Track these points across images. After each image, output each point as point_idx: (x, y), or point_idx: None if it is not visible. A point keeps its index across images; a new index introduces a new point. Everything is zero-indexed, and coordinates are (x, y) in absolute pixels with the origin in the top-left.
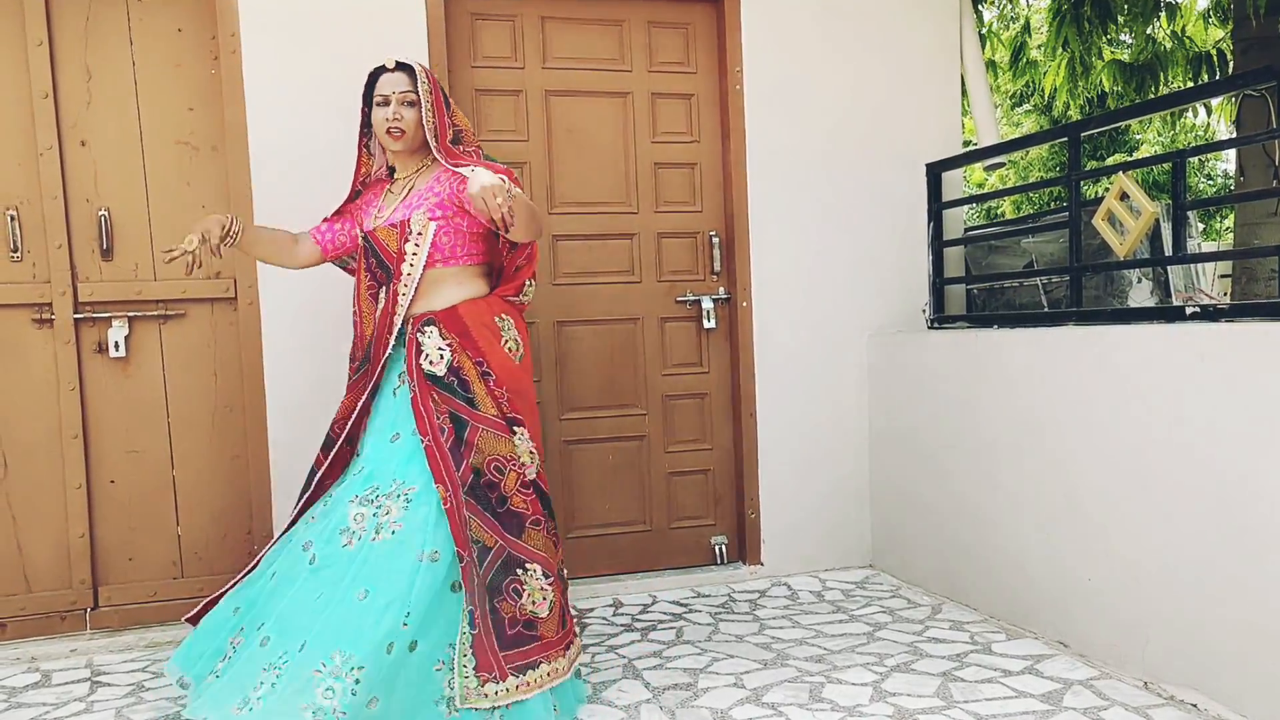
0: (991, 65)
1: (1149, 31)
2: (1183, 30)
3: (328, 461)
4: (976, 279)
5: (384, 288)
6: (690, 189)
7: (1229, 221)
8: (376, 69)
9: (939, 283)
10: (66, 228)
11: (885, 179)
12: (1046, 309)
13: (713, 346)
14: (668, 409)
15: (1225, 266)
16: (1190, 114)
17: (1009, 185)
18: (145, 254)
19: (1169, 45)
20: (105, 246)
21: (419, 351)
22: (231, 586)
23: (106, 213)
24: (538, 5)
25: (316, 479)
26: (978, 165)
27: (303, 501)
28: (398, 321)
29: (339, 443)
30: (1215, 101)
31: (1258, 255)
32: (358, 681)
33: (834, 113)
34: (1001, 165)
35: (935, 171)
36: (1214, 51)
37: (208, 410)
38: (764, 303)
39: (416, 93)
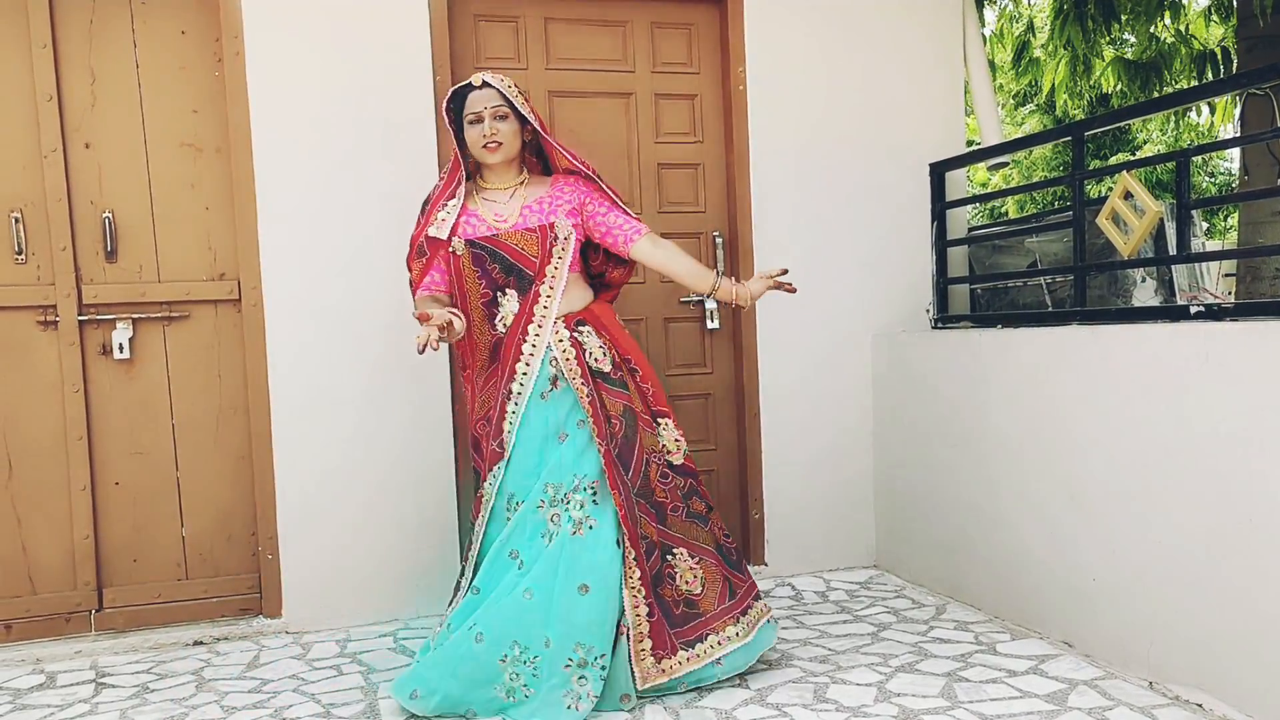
0: (993, 65)
1: (1152, 30)
2: (1186, 29)
3: (489, 462)
4: (980, 279)
5: (502, 293)
6: (693, 190)
7: (1233, 220)
8: (461, 87)
9: (943, 282)
10: (71, 230)
11: (889, 179)
12: (1051, 308)
13: (716, 347)
14: (672, 409)
15: (1229, 265)
16: (1194, 113)
17: (1013, 185)
18: (149, 256)
19: (1172, 43)
20: (110, 248)
21: (583, 350)
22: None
23: (111, 215)
24: (540, 6)
25: (485, 481)
26: (981, 165)
27: (487, 510)
28: (547, 322)
29: (493, 449)
30: (1218, 101)
31: (1262, 254)
32: (603, 669)
33: (837, 113)
34: (1005, 165)
35: (939, 171)
36: (1218, 50)
37: (212, 411)
38: (768, 303)
39: (506, 105)
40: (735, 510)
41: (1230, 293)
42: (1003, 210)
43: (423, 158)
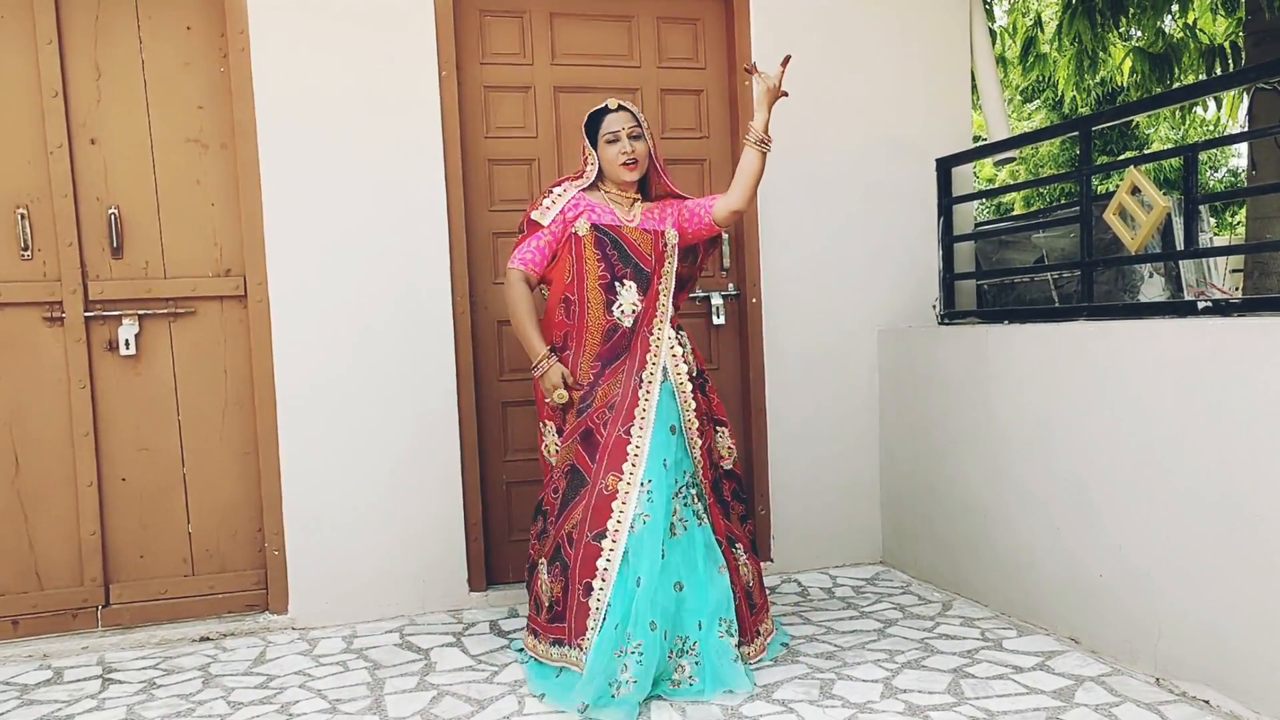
0: (1001, 60)
1: (1159, 25)
2: (1194, 23)
3: (603, 457)
4: (987, 274)
5: (620, 282)
6: (699, 185)
7: (1241, 216)
8: (600, 110)
9: (949, 278)
10: (77, 226)
11: (895, 174)
12: (1057, 304)
13: (722, 343)
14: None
15: (1237, 261)
16: (1200, 109)
17: (1019, 180)
18: (155, 252)
19: (1181, 38)
20: (115, 244)
21: (684, 355)
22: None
23: (116, 211)
24: (546, 1)
25: (591, 475)
26: (988, 160)
27: (584, 496)
28: (665, 326)
29: (618, 436)
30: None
31: (1270, 249)
32: (733, 635)
33: (844, 108)
34: (1012, 160)
35: (945, 167)
36: (1226, 45)
37: (218, 407)
38: (773, 299)
39: (640, 127)
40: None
41: (1238, 288)
42: (1009, 205)
43: (428, 152)
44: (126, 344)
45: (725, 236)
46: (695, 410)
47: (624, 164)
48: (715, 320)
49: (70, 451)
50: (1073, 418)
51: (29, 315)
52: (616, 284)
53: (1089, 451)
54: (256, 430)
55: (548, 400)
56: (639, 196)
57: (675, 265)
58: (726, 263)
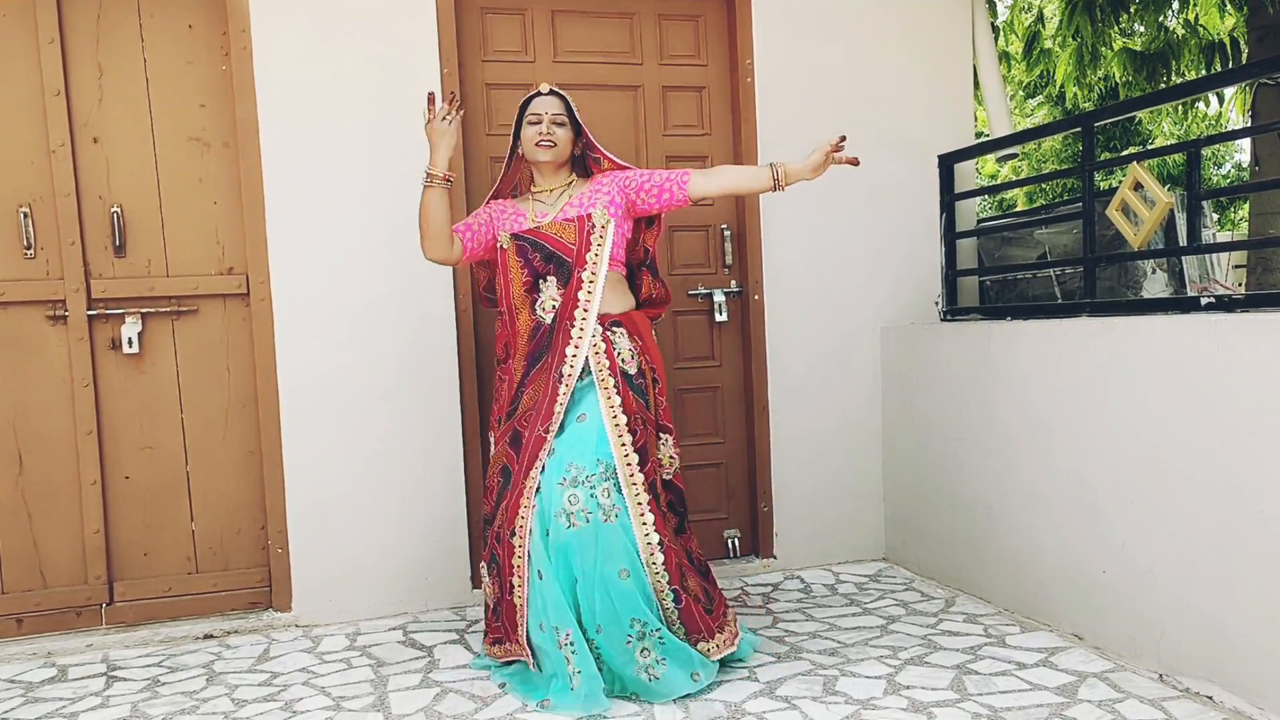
0: (1004, 56)
1: (1161, 20)
2: (1195, 19)
3: (524, 458)
4: (990, 270)
5: (543, 280)
6: None
7: (1244, 211)
8: (532, 95)
9: (951, 274)
10: (79, 224)
11: (897, 171)
12: (1060, 300)
13: (725, 340)
14: (680, 403)
15: (1240, 257)
16: (1202, 104)
17: (1022, 177)
18: (158, 250)
19: (1182, 34)
20: (118, 243)
21: (614, 350)
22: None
23: (119, 209)
24: None
25: (514, 475)
26: (990, 157)
27: (506, 497)
28: (590, 317)
29: (537, 434)
30: (1229, 91)
31: (1273, 245)
32: (661, 641)
33: (846, 104)
34: (1014, 156)
35: (948, 163)
36: (1227, 40)
37: (221, 406)
38: (776, 296)
39: (567, 116)
40: (744, 504)
41: (1241, 284)
42: (1011, 202)
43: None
44: (130, 343)
45: (728, 234)
46: (622, 406)
47: (538, 143)
48: (718, 317)
49: (74, 450)
50: (1076, 414)
51: (32, 314)
52: (540, 282)
53: (1092, 448)
54: (259, 428)
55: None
56: (571, 181)
57: (607, 248)
58: (729, 260)
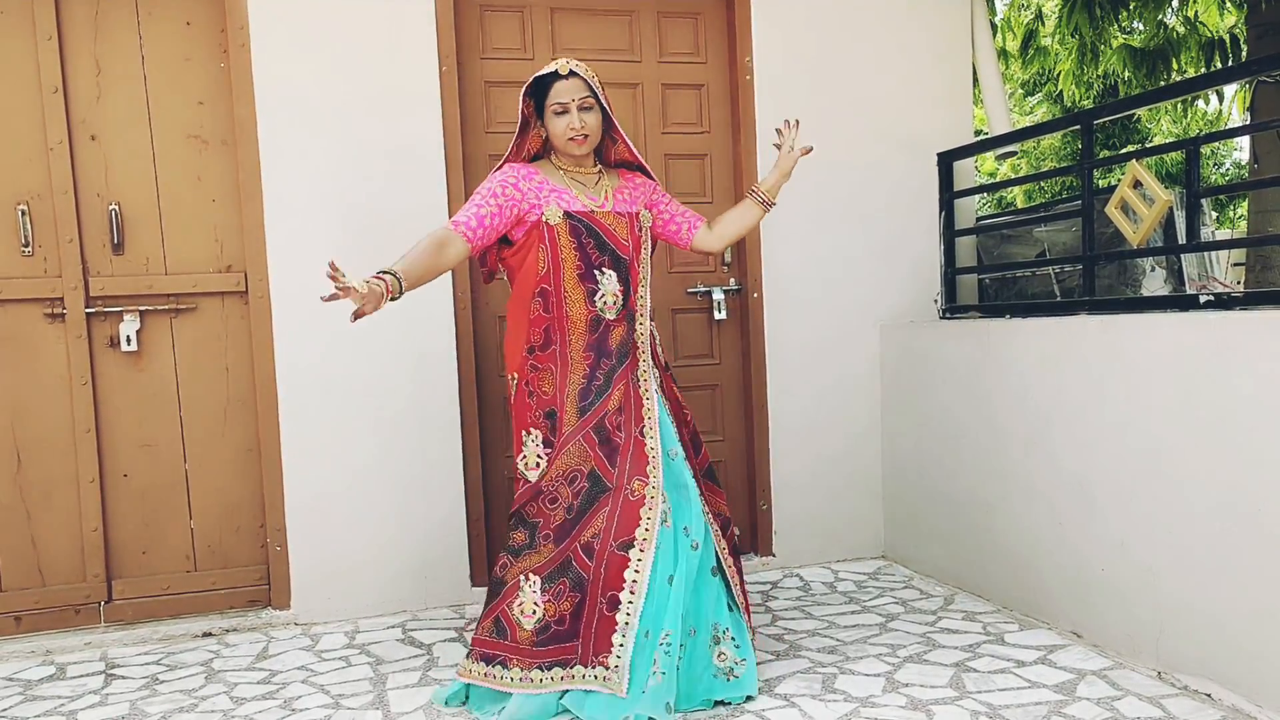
0: (1002, 54)
1: (1161, 17)
2: (1195, 16)
3: (624, 463)
4: (989, 268)
5: (599, 271)
6: (701, 180)
7: (1243, 209)
8: (547, 75)
9: (951, 272)
10: (77, 222)
11: (896, 168)
12: (1059, 298)
13: (724, 338)
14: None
15: (1239, 254)
16: (1202, 102)
17: (1021, 174)
18: (156, 248)
19: (1181, 31)
20: (116, 241)
21: (656, 344)
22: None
23: (117, 207)
24: None
25: (615, 481)
26: (989, 154)
27: (606, 503)
28: (647, 320)
29: (636, 438)
30: (1230, 89)
31: (1272, 243)
32: (737, 645)
33: (845, 102)
34: (1013, 154)
35: (947, 161)
36: (1226, 37)
37: (220, 404)
38: (775, 294)
39: (594, 97)
40: (743, 501)
41: (1240, 282)
42: (1010, 200)
43: (429, 147)
44: (128, 340)
45: None
46: (675, 400)
47: (572, 139)
48: (717, 315)
49: (72, 448)
50: (1074, 412)
51: (30, 312)
52: (596, 273)
53: (1091, 445)
54: (258, 426)
55: (340, 287)
56: (600, 167)
57: (650, 250)
58: (728, 258)
